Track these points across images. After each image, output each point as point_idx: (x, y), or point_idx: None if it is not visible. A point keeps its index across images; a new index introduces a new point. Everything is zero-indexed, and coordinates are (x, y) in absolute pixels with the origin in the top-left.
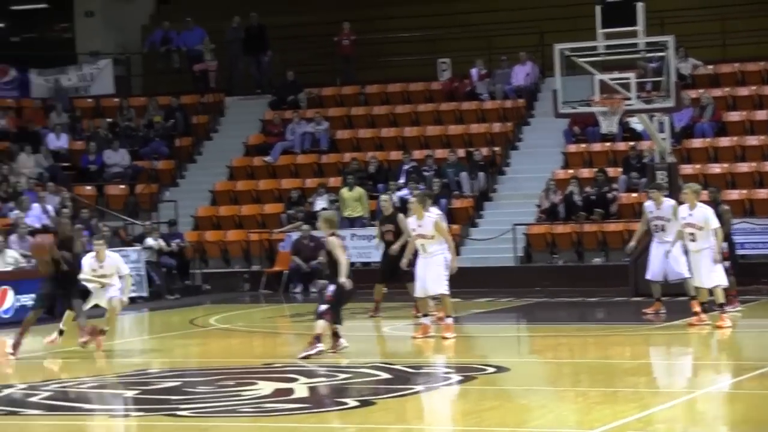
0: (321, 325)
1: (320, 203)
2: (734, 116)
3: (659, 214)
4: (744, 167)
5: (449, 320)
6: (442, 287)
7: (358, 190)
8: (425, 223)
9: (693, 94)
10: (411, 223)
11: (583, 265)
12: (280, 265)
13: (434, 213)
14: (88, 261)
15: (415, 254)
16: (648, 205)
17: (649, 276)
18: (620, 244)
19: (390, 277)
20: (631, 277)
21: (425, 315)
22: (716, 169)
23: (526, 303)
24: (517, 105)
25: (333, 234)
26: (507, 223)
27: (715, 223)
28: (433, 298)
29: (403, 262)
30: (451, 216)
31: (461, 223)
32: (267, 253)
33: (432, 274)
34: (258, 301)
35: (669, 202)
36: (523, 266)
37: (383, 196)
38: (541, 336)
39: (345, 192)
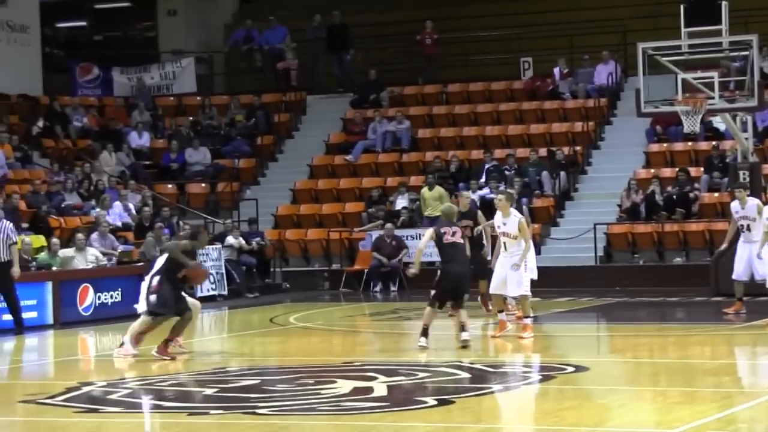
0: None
1: (401, 202)
2: None
3: (744, 214)
4: None
5: (528, 321)
6: (523, 289)
7: (439, 190)
8: (510, 221)
9: None
10: (496, 220)
11: (664, 264)
12: (361, 264)
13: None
14: None
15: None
16: (734, 205)
17: (734, 276)
18: (701, 243)
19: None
20: (712, 276)
21: (500, 311)
22: None
23: (606, 303)
24: (599, 104)
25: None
26: (588, 222)
27: None
28: (513, 297)
29: (492, 262)
30: (532, 215)
31: (542, 222)
32: (347, 251)
33: (513, 275)
34: (338, 300)
35: (753, 202)
36: (603, 266)
37: (464, 192)
38: (621, 335)
39: (426, 191)
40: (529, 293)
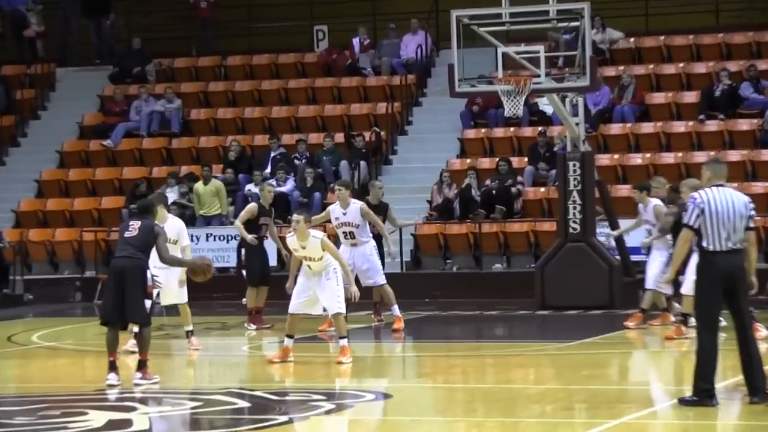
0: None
1: (171, 197)
2: (658, 98)
3: (646, 217)
4: (669, 158)
5: (344, 342)
6: (340, 305)
7: (216, 184)
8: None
9: (611, 71)
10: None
11: (481, 272)
12: None
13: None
14: None
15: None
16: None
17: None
18: (525, 247)
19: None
20: (537, 286)
21: (289, 336)
22: (637, 159)
23: (413, 316)
24: (407, 82)
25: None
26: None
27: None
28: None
29: (288, 285)
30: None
31: None
32: (104, 256)
33: (328, 289)
34: (92, 314)
35: (654, 202)
36: (410, 273)
37: (377, 182)
38: (431, 356)
39: (200, 186)
40: (344, 310)
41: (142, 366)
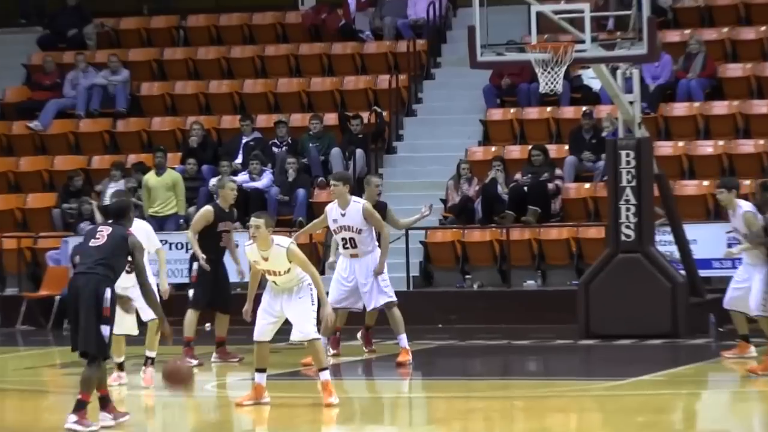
0: None
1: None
2: (734, 70)
3: (735, 224)
4: (748, 146)
5: (326, 375)
6: (312, 330)
7: (172, 176)
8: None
9: (675, 36)
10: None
11: (509, 290)
12: (50, 288)
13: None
14: None
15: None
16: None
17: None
18: (565, 259)
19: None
20: (580, 309)
21: (260, 371)
22: (708, 148)
23: (423, 347)
24: (415, 49)
25: None
26: None
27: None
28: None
29: (245, 309)
30: (313, 214)
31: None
32: (30, 268)
33: (299, 309)
34: (13, 343)
35: (744, 208)
36: (419, 291)
37: (374, 179)
38: (445, 397)
39: (152, 178)
40: (318, 335)
41: (80, 407)
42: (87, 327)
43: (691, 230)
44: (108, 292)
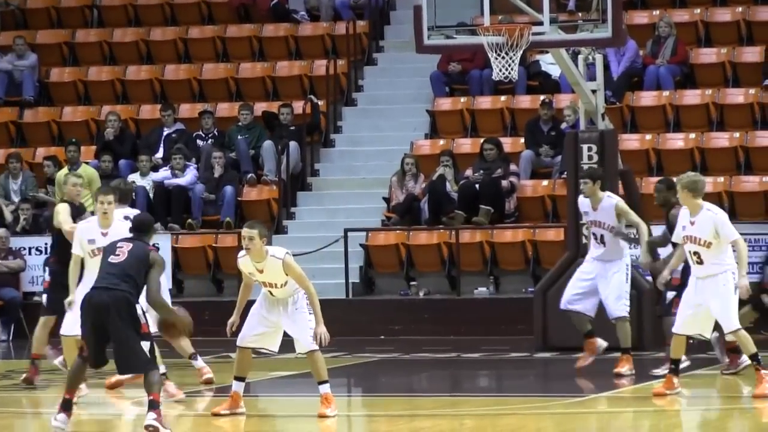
0: None
1: (14, 189)
2: (708, 55)
3: (595, 218)
4: (723, 140)
5: (326, 388)
6: (311, 342)
7: (87, 171)
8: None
9: (643, 18)
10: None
11: (460, 298)
12: None
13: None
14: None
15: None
16: (582, 202)
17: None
18: (520, 264)
19: None
20: (536, 318)
21: (239, 379)
22: (678, 141)
23: (363, 361)
24: (356, 31)
25: None
26: (335, 227)
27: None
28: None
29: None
30: (241, 213)
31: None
32: None
33: (298, 322)
34: None
35: (611, 200)
36: (359, 299)
37: (72, 178)
38: (386, 416)
39: (64, 173)
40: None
41: (154, 407)
42: (129, 348)
43: (658, 232)
44: (139, 309)
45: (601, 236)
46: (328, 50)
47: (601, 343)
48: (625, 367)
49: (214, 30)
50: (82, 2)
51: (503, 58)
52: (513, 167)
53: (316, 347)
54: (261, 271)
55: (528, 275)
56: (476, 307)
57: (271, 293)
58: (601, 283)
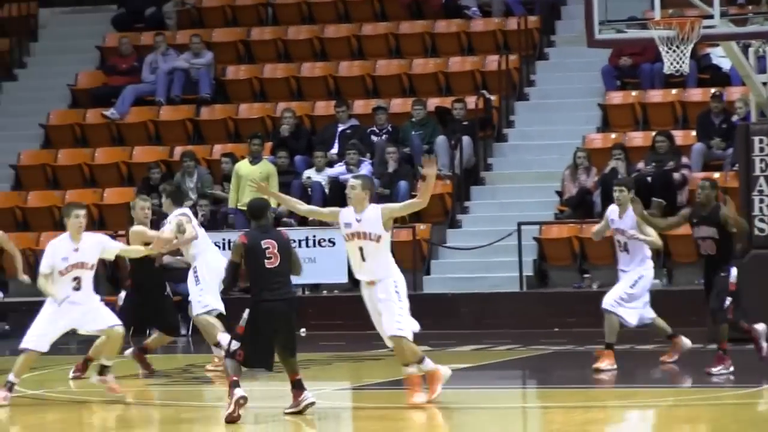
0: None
1: (189, 187)
2: None
3: (620, 225)
4: None
5: (410, 370)
6: (397, 329)
7: (267, 166)
8: (367, 217)
9: None
10: (344, 216)
11: None
12: None
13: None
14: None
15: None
16: (611, 210)
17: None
18: (692, 256)
19: None
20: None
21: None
22: None
23: (537, 353)
24: (527, 27)
25: None
26: (508, 221)
27: None
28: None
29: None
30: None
31: (433, 221)
32: (109, 270)
33: (388, 310)
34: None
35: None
36: (533, 292)
37: (140, 202)
38: (563, 407)
39: (244, 166)
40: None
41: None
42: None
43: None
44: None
45: (625, 244)
46: (499, 45)
47: (686, 341)
48: (605, 363)
49: (387, 27)
50: (257, 0)
51: (674, 51)
52: (684, 160)
53: (400, 333)
54: (359, 221)
55: (700, 267)
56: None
57: (362, 255)
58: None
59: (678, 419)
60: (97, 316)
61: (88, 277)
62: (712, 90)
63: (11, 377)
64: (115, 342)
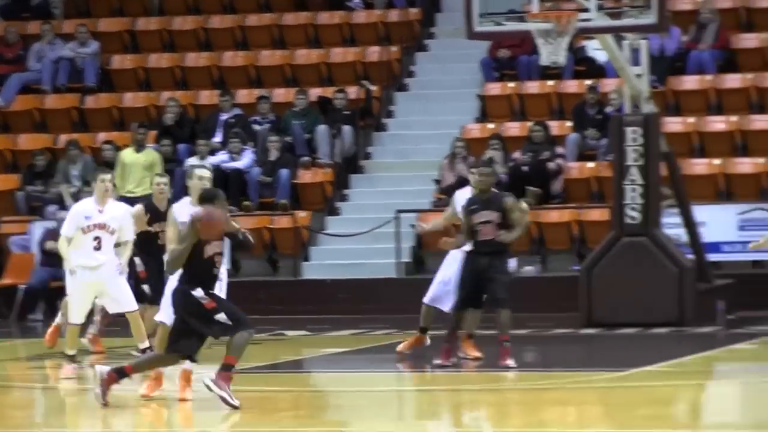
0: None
1: (74, 174)
2: (749, 40)
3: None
4: (762, 122)
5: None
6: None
7: (152, 154)
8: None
9: (686, 4)
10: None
11: None
12: (13, 276)
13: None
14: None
15: None
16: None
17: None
18: (566, 243)
19: None
20: (581, 295)
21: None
22: (720, 124)
23: (414, 333)
24: (409, 18)
25: None
26: (388, 209)
27: None
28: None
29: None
30: (296, 198)
31: (313, 208)
32: None
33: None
34: None
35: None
36: (412, 279)
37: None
38: (441, 390)
39: (128, 155)
40: None
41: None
42: None
43: (700, 212)
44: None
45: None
46: (381, 37)
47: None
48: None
49: (271, 18)
50: None
51: (551, 44)
52: (560, 150)
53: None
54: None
55: (573, 254)
56: (524, 285)
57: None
58: None
59: (549, 402)
60: (119, 297)
61: (108, 240)
62: (588, 82)
63: (69, 352)
64: (134, 321)
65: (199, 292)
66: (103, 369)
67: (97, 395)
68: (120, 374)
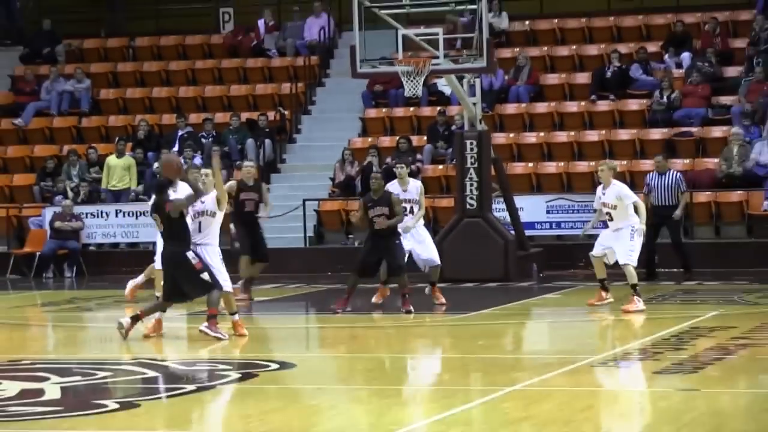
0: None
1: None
2: (552, 79)
3: (407, 196)
4: (562, 136)
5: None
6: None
7: (128, 160)
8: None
9: (507, 53)
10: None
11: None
12: (32, 246)
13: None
14: None
15: None
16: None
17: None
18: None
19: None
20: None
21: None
22: (531, 138)
23: (317, 290)
24: (310, 63)
25: None
26: (297, 198)
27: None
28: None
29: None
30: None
31: None
32: (16, 231)
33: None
34: (4, 288)
35: (415, 184)
36: (314, 248)
37: (247, 163)
38: (333, 327)
39: (112, 159)
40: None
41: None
42: None
43: (519, 200)
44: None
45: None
46: (291, 76)
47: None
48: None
49: (213, 62)
50: (121, 43)
51: (412, 81)
52: (419, 156)
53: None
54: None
55: (430, 230)
56: None
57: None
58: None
59: (413, 335)
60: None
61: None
62: (438, 108)
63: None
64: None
65: (190, 254)
66: (126, 319)
67: (122, 333)
68: (134, 319)
